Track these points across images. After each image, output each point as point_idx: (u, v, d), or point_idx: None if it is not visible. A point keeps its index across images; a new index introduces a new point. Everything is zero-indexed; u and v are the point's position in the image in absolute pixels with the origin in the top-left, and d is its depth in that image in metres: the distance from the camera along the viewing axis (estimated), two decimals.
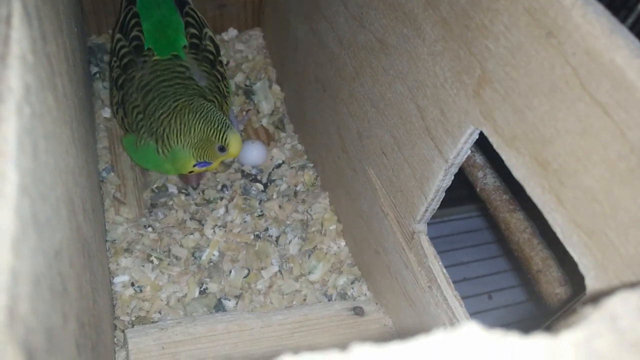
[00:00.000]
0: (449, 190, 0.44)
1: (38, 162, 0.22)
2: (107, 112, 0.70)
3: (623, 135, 0.28)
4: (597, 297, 0.23)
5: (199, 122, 0.57)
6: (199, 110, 0.58)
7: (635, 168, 0.27)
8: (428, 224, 0.48)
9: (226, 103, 0.63)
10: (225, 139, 0.58)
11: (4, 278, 0.16)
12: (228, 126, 0.57)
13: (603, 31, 0.28)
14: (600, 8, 0.29)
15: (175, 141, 0.58)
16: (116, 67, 0.61)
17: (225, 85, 0.64)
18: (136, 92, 0.59)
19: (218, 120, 0.58)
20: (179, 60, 0.60)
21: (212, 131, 0.57)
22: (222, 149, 0.58)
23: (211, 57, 0.63)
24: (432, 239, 0.48)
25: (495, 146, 0.36)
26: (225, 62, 0.77)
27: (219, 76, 0.63)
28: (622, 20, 0.54)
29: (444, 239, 0.82)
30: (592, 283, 0.31)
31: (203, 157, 0.59)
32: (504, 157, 0.36)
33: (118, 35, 0.62)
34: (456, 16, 0.37)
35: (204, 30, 0.64)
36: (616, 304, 0.17)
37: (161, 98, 0.59)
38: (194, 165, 0.60)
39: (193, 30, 0.63)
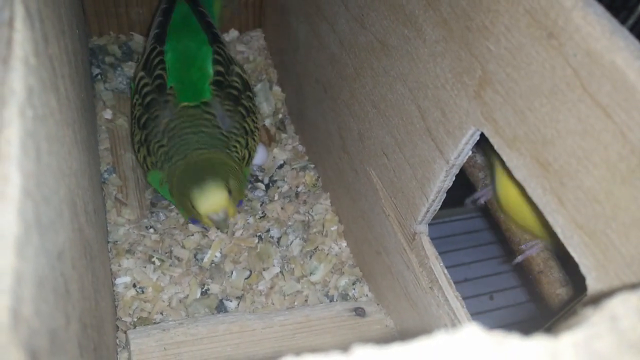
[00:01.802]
0: (450, 191, 0.44)
1: (41, 164, 0.22)
2: (108, 114, 0.70)
3: (624, 136, 0.28)
4: (598, 298, 0.23)
5: (183, 179, 0.56)
6: (195, 167, 0.56)
7: (636, 169, 0.27)
8: (429, 224, 0.48)
9: (253, 139, 0.62)
10: (191, 198, 0.55)
11: (8, 280, 0.16)
12: (203, 180, 0.54)
13: (603, 33, 0.28)
14: (601, 9, 0.29)
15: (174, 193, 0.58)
16: (138, 105, 0.60)
17: (252, 120, 0.62)
18: (161, 133, 0.58)
19: (192, 175, 0.55)
20: (207, 107, 0.60)
21: (185, 188, 0.55)
22: (194, 207, 0.55)
23: (235, 92, 0.61)
24: (434, 239, 0.48)
25: (496, 147, 0.36)
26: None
27: (243, 112, 0.61)
28: (623, 21, 0.54)
29: (445, 239, 0.82)
30: (593, 284, 0.31)
31: (190, 212, 0.57)
32: (505, 158, 0.36)
33: (141, 73, 0.61)
34: (457, 17, 0.37)
35: (230, 67, 0.63)
36: (616, 305, 0.17)
37: (182, 144, 0.58)
38: (189, 222, 0.60)
39: (219, 68, 0.61)
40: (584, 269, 0.31)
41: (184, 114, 0.59)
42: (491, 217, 0.51)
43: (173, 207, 0.64)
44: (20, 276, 0.17)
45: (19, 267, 0.17)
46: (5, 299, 0.16)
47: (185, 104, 0.59)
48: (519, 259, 0.47)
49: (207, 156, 0.57)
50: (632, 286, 0.27)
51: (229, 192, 0.56)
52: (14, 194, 0.17)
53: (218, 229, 0.60)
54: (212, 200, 0.55)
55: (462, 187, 0.50)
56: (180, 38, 0.63)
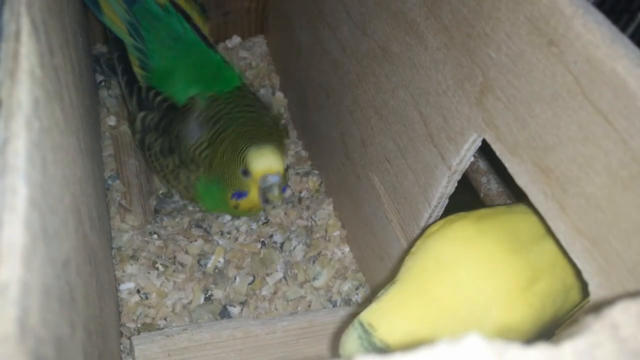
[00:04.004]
0: (452, 195, 0.44)
1: (47, 174, 0.22)
2: (112, 120, 0.70)
3: (625, 143, 0.28)
4: (600, 305, 0.23)
5: (234, 142, 0.52)
6: (248, 132, 0.53)
7: (637, 176, 0.27)
8: None
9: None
10: (244, 159, 0.51)
11: (15, 291, 0.16)
12: (260, 141, 0.51)
13: (604, 40, 0.28)
14: (601, 17, 0.29)
15: (212, 171, 0.54)
16: (154, 141, 0.58)
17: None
18: (199, 130, 0.56)
19: (246, 138, 0.52)
20: (244, 92, 0.58)
21: (233, 153, 0.52)
22: (245, 172, 0.52)
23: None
24: None
25: (498, 153, 0.37)
26: None
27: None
28: (624, 26, 0.54)
29: None
30: (595, 290, 0.31)
31: (235, 185, 0.53)
32: (506, 164, 0.36)
33: (141, 114, 0.59)
34: (458, 24, 0.37)
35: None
36: (617, 313, 0.17)
37: (228, 123, 0.55)
38: (232, 197, 0.55)
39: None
40: (586, 275, 0.31)
41: (220, 102, 0.56)
42: None
43: (177, 213, 0.64)
44: (27, 287, 0.17)
45: (26, 278, 0.17)
46: (13, 310, 0.16)
47: (212, 93, 0.56)
48: None
49: (260, 127, 0.54)
50: (633, 294, 0.27)
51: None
52: (21, 205, 0.18)
53: (268, 202, 0.54)
54: (271, 159, 0.51)
55: (465, 192, 0.50)
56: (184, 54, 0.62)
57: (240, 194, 0.54)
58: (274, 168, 0.51)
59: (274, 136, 0.56)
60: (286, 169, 0.53)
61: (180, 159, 0.57)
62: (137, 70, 0.61)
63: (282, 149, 0.54)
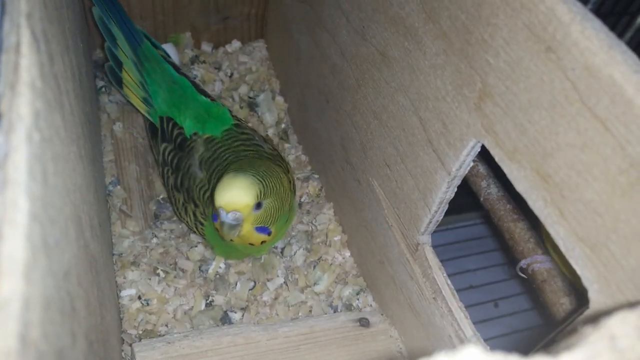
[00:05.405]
0: (453, 198, 0.45)
1: (47, 186, 0.22)
2: (118, 127, 0.70)
3: (623, 149, 0.28)
4: (599, 315, 0.23)
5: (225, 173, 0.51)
6: (237, 165, 0.52)
7: (635, 182, 0.28)
8: (433, 231, 0.48)
9: (289, 172, 0.59)
10: (218, 183, 0.49)
11: (16, 306, 0.16)
12: (237, 172, 0.49)
13: (601, 47, 0.28)
14: (599, 24, 0.29)
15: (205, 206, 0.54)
16: (170, 174, 0.59)
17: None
18: (199, 167, 0.56)
19: (234, 166, 0.52)
20: (240, 129, 0.59)
21: (219, 179, 0.50)
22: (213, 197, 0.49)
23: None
24: (437, 246, 0.48)
25: (497, 159, 0.37)
26: (229, 74, 0.78)
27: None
28: (622, 31, 0.54)
29: (449, 246, 0.82)
30: (595, 296, 0.31)
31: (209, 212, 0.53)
32: (505, 170, 0.36)
33: (163, 145, 0.60)
34: (456, 30, 0.38)
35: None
36: (615, 324, 0.17)
37: (224, 161, 0.55)
38: (213, 219, 0.53)
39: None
40: (585, 282, 0.31)
41: (216, 142, 0.57)
42: (495, 224, 0.51)
43: (176, 218, 0.64)
44: (28, 301, 0.17)
45: (27, 292, 0.17)
46: (14, 326, 0.16)
47: (209, 135, 0.58)
48: (522, 262, 0.47)
49: (253, 158, 0.55)
50: (631, 305, 0.27)
51: (258, 204, 0.49)
52: (21, 219, 0.18)
53: (221, 234, 0.50)
54: (233, 193, 0.47)
55: (465, 195, 0.50)
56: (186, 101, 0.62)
57: (215, 216, 0.51)
58: (231, 205, 0.47)
59: (271, 169, 0.53)
60: (259, 205, 0.49)
61: (188, 195, 0.57)
62: (141, 106, 0.64)
63: (268, 191, 0.50)
